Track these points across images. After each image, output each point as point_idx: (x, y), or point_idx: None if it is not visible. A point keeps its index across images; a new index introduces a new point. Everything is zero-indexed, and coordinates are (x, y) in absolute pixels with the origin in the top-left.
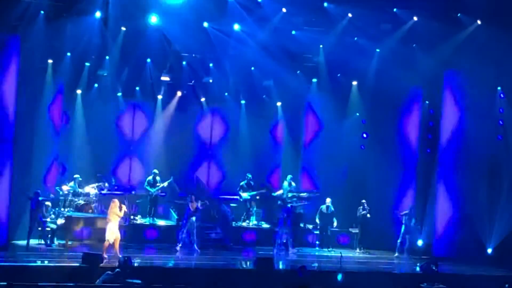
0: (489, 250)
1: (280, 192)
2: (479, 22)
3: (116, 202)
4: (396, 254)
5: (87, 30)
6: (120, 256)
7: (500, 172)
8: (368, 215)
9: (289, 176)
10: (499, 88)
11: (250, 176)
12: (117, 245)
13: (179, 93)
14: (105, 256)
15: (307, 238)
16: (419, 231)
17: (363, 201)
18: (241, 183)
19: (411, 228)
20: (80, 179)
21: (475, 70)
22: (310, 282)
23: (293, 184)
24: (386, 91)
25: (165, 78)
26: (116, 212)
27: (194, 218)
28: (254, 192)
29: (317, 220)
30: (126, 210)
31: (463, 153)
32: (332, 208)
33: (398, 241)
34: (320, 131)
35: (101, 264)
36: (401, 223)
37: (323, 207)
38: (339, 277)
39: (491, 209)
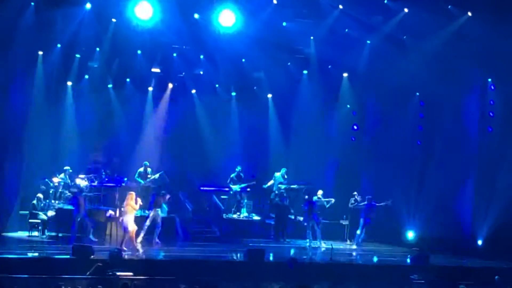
0: (479, 242)
1: (271, 182)
2: (469, 13)
3: (132, 194)
4: (354, 246)
5: (78, 21)
6: (139, 248)
7: (491, 164)
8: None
9: (283, 169)
10: (489, 79)
11: (240, 168)
12: (134, 237)
13: (170, 85)
14: (124, 248)
15: (297, 230)
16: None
17: (355, 193)
18: (231, 176)
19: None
20: (71, 170)
21: (466, 61)
22: (301, 274)
23: (286, 177)
24: (377, 83)
25: (155, 70)
26: (131, 205)
27: (159, 211)
28: (245, 184)
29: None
30: (141, 203)
31: (452, 146)
32: (324, 200)
33: (358, 232)
34: (311, 122)
35: (92, 256)
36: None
37: (315, 198)
38: None
39: (481, 201)
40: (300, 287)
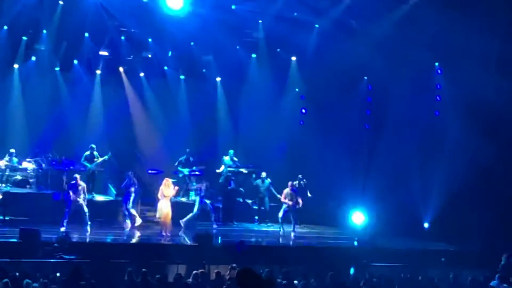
0: (426, 225)
1: (222, 167)
2: None
3: (167, 181)
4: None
5: (23, 3)
6: (168, 234)
7: (436, 147)
8: (309, 194)
9: (231, 151)
10: (436, 64)
11: (188, 151)
12: (166, 223)
13: (121, 69)
14: (163, 234)
15: (245, 213)
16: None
17: (300, 175)
18: (180, 158)
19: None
20: (14, 153)
21: (414, 45)
22: (249, 256)
23: (235, 159)
24: (325, 67)
25: (103, 52)
26: (162, 191)
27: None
28: (194, 168)
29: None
30: (175, 190)
31: (400, 129)
32: (269, 181)
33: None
34: (259, 106)
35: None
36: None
37: (259, 181)
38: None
39: (427, 184)
40: (244, 269)
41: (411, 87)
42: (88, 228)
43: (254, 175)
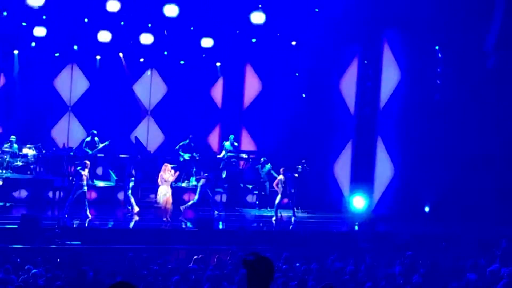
0: (426, 209)
1: (223, 153)
2: None
3: (166, 166)
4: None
5: None
6: (168, 219)
7: (435, 132)
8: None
9: (231, 136)
10: (437, 47)
11: (191, 136)
12: (167, 208)
13: (121, 54)
14: (164, 219)
15: (246, 199)
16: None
17: (303, 160)
18: (182, 143)
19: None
20: (15, 140)
21: (415, 29)
22: (249, 242)
23: (236, 144)
24: (323, 50)
25: (103, 38)
26: (162, 176)
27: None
28: (196, 154)
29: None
30: (175, 175)
31: (401, 114)
32: (269, 166)
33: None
34: (261, 91)
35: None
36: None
37: (259, 166)
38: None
39: (428, 168)
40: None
41: (413, 71)
42: (89, 214)
43: (262, 159)
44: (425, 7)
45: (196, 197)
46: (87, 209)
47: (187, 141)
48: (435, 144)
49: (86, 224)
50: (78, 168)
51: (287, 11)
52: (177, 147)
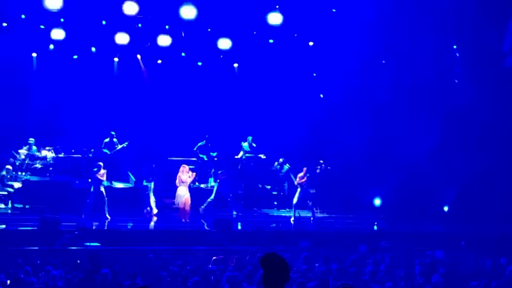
0: (445, 208)
1: (241, 154)
2: None
3: (184, 167)
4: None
5: None
6: (187, 220)
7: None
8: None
9: (249, 137)
10: (455, 46)
11: (207, 136)
12: (185, 209)
13: (138, 56)
14: (183, 220)
15: (264, 199)
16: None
17: (321, 161)
18: (199, 144)
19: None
20: (34, 142)
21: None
22: (268, 242)
23: (254, 145)
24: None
25: (121, 40)
26: (180, 177)
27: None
28: (215, 154)
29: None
30: (192, 176)
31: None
32: (288, 166)
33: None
34: (278, 91)
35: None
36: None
37: (277, 167)
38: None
39: (447, 167)
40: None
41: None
42: (108, 215)
43: (281, 160)
44: (442, 7)
45: (213, 196)
46: (106, 210)
47: (204, 142)
48: (454, 144)
49: (105, 226)
50: (94, 169)
51: (304, 12)
52: (195, 149)
